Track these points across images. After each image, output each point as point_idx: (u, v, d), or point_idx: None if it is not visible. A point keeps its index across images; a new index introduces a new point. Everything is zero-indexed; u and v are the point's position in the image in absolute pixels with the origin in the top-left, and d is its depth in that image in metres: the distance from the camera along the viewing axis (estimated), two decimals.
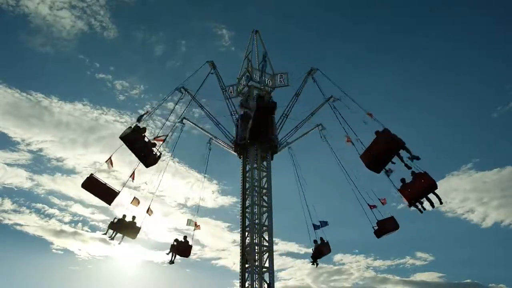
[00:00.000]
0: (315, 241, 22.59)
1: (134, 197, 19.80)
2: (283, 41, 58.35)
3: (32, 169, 54.74)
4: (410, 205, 16.22)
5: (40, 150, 52.01)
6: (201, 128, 24.05)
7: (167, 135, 19.92)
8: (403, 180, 16.43)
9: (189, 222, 22.15)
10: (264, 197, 22.15)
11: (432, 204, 15.93)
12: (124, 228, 19.20)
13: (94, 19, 56.16)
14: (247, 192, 22.20)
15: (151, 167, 18.97)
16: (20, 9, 51.49)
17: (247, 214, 21.57)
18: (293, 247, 57.64)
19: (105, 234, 19.07)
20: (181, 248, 21.50)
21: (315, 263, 22.65)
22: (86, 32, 56.86)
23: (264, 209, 21.87)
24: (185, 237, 21.88)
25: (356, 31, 68.70)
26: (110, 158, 18.64)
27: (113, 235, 19.08)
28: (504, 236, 56.35)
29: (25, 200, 53.74)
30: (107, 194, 18.38)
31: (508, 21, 58.91)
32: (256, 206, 21.56)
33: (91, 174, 18.23)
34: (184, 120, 23.39)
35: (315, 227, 22.36)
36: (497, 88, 61.55)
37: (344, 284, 55.31)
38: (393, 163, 16.54)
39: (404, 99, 64.93)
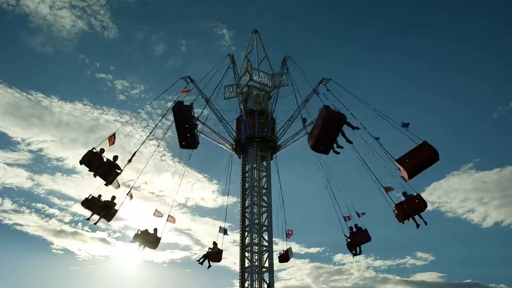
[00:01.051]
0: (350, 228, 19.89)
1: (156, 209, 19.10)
2: (284, 41, 58.33)
3: (32, 169, 54.72)
4: (401, 222, 16.56)
5: (40, 150, 52.00)
6: (208, 126, 23.28)
7: (133, 154, 18.21)
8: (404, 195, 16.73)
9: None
10: (263, 197, 22.16)
11: (417, 225, 16.43)
12: (100, 208, 17.47)
13: (94, 19, 56.22)
14: (246, 192, 22.21)
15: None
16: (21, 8, 51.53)
17: (246, 214, 21.60)
18: (294, 247, 57.41)
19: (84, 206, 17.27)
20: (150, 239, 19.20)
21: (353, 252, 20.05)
22: (87, 32, 56.91)
23: (264, 209, 21.89)
24: (155, 229, 19.40)
25: (356, 31, 68.76)
26: (113, 135, 17.57)
27: (89, 216, 17.46)
28: (505, 236, 56.30)
29: (25, 200, 53.74)
30: (107, 172, 16.84)
31: (508, 21, 58.94)
32: (255, 206, 21.58)
33: (92, 148, 16.85)
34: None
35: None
36: (497, 88, 61.61)
37: (344, 284, 55.27)
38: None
39: (404, 99, 64.91)
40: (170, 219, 19.60)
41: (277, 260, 22.07)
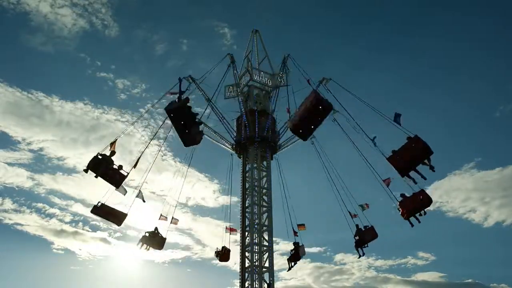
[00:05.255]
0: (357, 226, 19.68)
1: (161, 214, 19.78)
2: (284, 40, 58.30)
3: (32, 169, 54.71)
4: (406, 219, 16.27)
5: (41, 149, 51.93)
6: (209, 127, 23.33)
7: (138, 158, 18.31)
8: (403, 195, 16.50)
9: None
10: (264, 197, 22.16)
11: (419, 221, 16.21)
12: (109, 214, 18.04)
13: (95, 17, 56.07)
14: (247, 192, 22.21)
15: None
16: (21, 7, 51.36)
17: (247, 214, 21.59)
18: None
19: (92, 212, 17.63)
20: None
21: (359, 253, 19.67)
22: (88, 31, 56.75)
23: (264, 209, 21.88)
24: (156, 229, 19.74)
25: (356, 31, 68.72)
26: (114, 142, 17.62)
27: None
28: (506, 236, 56.27)
29: (25, 200, 53.72)
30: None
31: (508, 21, 58.91)
32: (256, 206, 21.57)
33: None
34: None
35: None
36: (498, 88, 61.59)
37: (345, 284, 55.21)
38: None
39: (404, 99, 64.89)
40: (174, 221, 20.19)
41: (287, 261, 20.84)
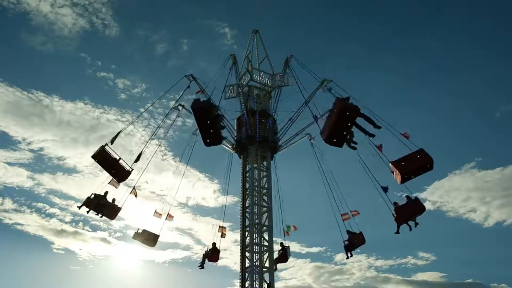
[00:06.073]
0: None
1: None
2: (285, 40, 58.38)
3: (33, 168, 54.69)
4: (400, 224, 16.83)
5: (41, 149, 51.96)
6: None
7: (140, 153, 18.79)
8: (395, 203, 17.10)
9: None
10: (264, 197, 22.15)
11: (410, 228, 16.87)
12: (101, 207, 18.12)
13: (96, 17, 56.06)
14: (247, 192, 22.20)
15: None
16: (21, 6, 51.32)
17: (247, 214, 21.59)
18: (295, 246, 57.63)
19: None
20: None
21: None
22: (88, 30, 56.74)
23: (264, 209, 21.87)
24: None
25: (357, 31, 68.75)
26: (116, 136, 18.18)
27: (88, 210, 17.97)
28: (506, 236, 56.28)
29: (26, 200, 53.75)
30: (118, 170, 17.45)
31: (508, 21, 58.89)
32: (256, 206, 21.56)
33: (105, 144, 17.30)
34: (180, 107, 21.82)
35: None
36: (499, 87, 61.55)
37: (345, 284, 55.27)
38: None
39: (404, 99, 64.90)
40: (133, 191, 19.31)
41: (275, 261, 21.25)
